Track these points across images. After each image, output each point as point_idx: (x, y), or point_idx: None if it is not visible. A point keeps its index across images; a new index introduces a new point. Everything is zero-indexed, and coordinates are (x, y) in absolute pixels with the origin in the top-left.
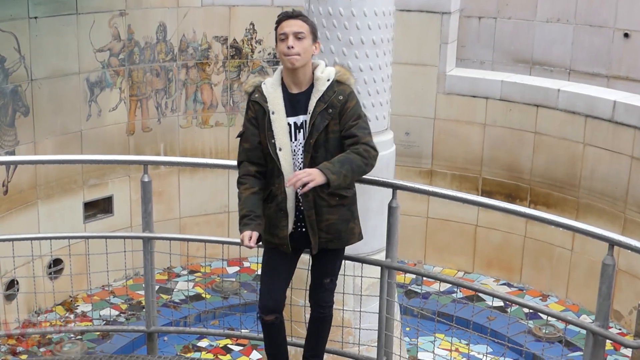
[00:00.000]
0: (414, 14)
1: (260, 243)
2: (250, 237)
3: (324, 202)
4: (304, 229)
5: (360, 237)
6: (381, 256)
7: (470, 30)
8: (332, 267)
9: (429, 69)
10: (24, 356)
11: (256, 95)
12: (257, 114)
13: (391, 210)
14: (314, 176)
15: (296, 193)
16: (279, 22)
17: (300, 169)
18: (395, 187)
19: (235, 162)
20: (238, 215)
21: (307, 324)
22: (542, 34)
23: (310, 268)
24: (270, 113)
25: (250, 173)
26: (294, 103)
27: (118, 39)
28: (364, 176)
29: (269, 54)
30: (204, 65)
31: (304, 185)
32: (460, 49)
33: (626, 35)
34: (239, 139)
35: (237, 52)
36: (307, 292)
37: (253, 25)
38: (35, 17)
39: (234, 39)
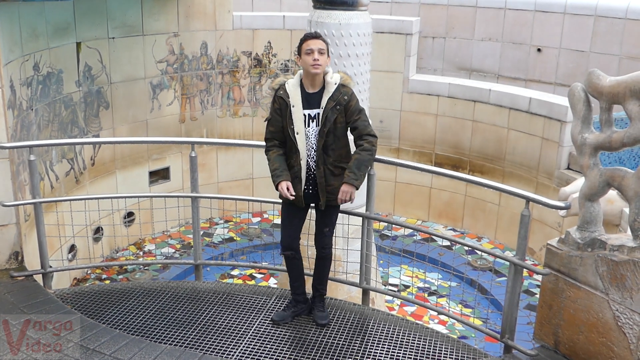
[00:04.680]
0: (386, 35)
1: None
2: (288, 188)
3: (330, 172)
4: (311, 191)
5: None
6: (362, 210)
7: (426, 47)
8: (330, 220)
9: (397, 74)
10: (107, 281)
11: (281, 92)
12: (281, 107)
13: (370, 177)
14: (351, 192)
15: (307, 165)
16: (305, 40)
17: (312, 149)
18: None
19: (256, 142)
20: (270, 170)
21: (308, 259)
22: (478, 49)
23: (315, 220)
24: (291, 106)
25: (275, 145)
26: (309, 99)
27: (173, 53)
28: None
29: (282, 64)
30: (235, 72)
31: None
32: (419, 61)
33: (539, 50)
34: (266, 122)
35: (259, 63)
36: (313, 237)
37: (270, 43)
38: (113, 37)
39: (256, 53)
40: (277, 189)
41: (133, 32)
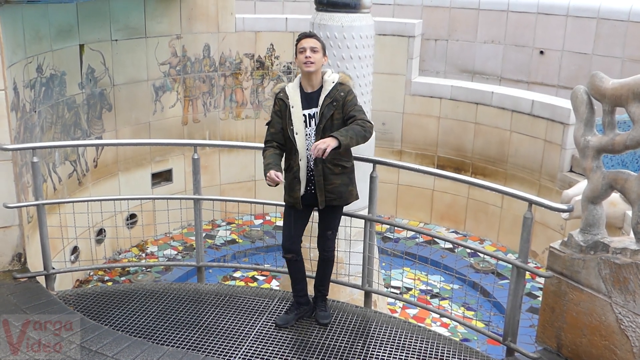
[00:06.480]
0: (389, 37)
1: (283, 177)
2: (276, 174)
3: (330, 171)
4: (313, 191)
5: (357, 197)
6: (365, 212)
7: (428, 49)
8: (333, 223)
9: (399, 77)
10: (110, 283)
11: (281, 95)
12: (281, 108)
13: (372, 179)
14: (328, 142)
15: (308, 165)
16: (299, 40)
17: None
18: (375, 162)
19: (259, 145)
20: (263, 165)
21: (311, 261)
22: (481, 52)
23: (318, 223)
24: (291, 107)
25: (273, 145)
26: (309, 99)
27: (175, 55)
28: (353, 154)
29: (284, 66)
30: (237, 75)
31: (324, 152)
32: (421, 63)
33: (541, 52)
34: (266, 126)
35: (261, 65)
36: (316, 239)
37: (272, 45)
38: (116, 40)
39: (259, 55)
40: (265, 177)
41: (136, 35)
